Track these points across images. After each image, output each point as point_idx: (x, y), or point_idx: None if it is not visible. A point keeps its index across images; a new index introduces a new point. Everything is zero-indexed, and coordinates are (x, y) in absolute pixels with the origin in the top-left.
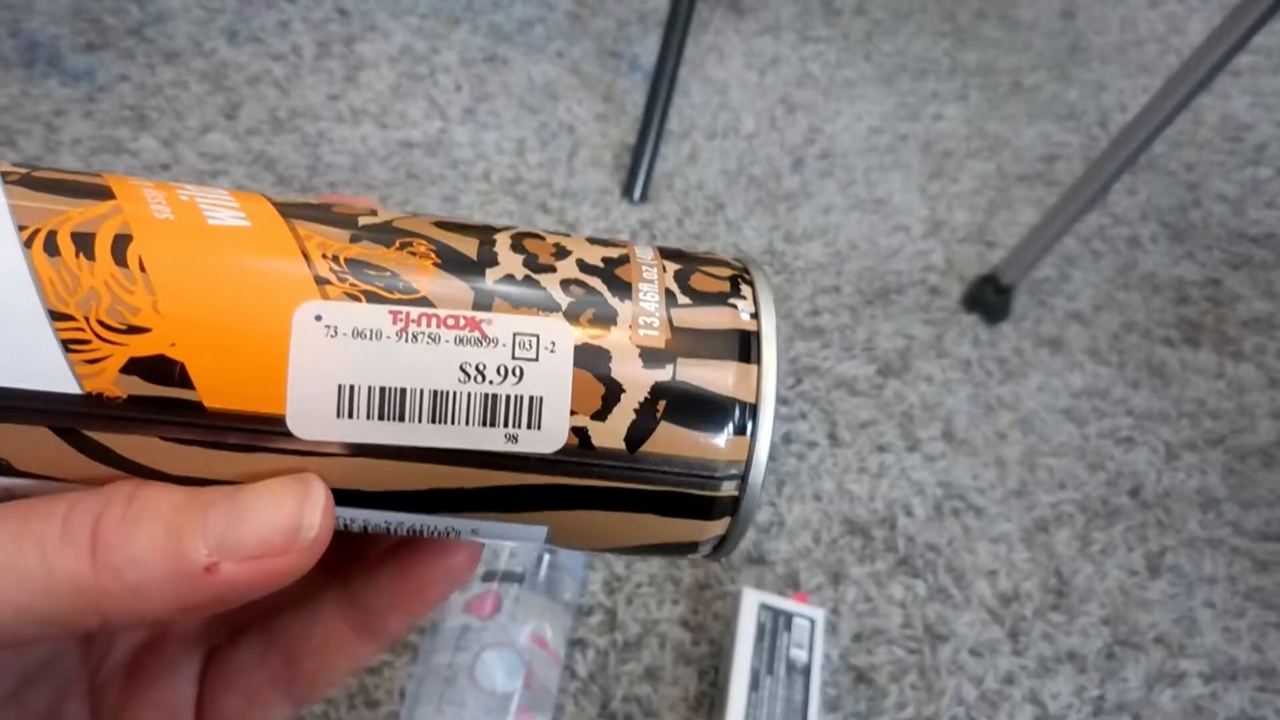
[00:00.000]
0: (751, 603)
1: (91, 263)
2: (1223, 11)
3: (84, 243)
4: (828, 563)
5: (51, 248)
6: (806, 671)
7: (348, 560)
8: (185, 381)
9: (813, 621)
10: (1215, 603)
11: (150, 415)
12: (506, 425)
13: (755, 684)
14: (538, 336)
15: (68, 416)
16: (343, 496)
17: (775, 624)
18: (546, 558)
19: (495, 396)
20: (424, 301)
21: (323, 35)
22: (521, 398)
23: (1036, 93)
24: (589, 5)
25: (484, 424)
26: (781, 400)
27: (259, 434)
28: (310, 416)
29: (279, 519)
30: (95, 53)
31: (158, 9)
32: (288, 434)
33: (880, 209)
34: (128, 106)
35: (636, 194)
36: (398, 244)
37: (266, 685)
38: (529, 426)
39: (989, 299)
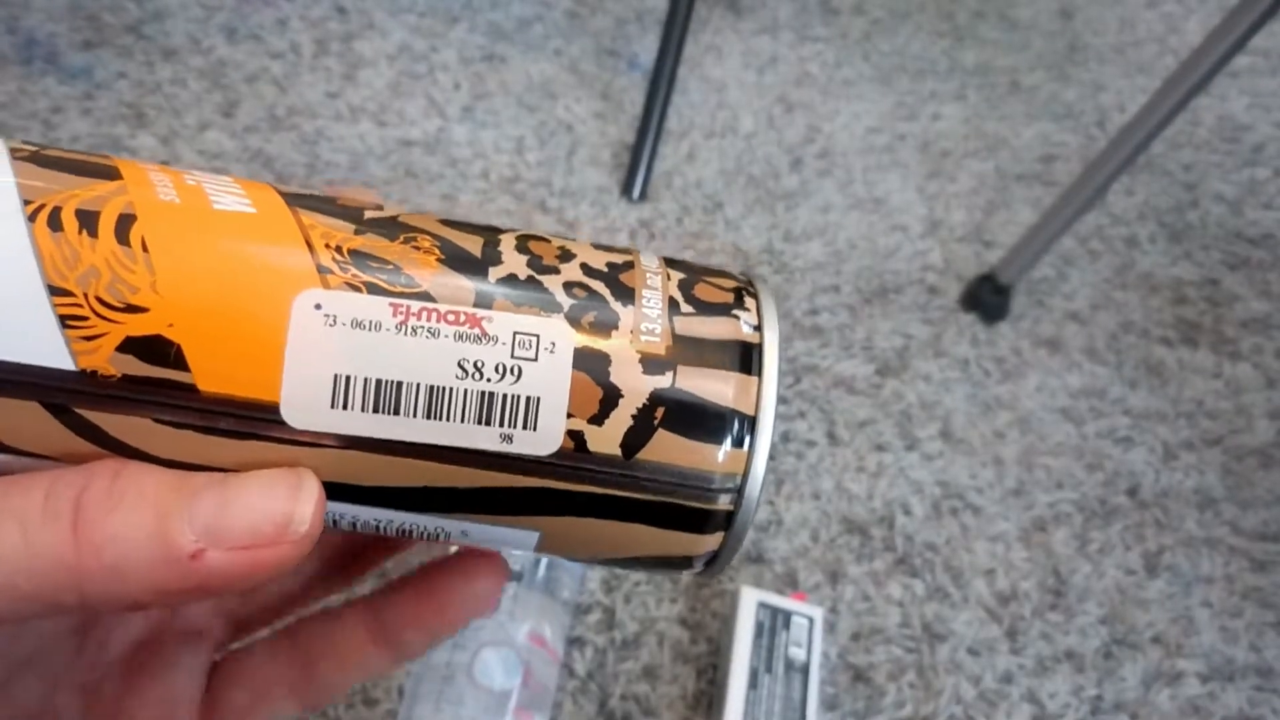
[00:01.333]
0: (750, 601)
1: (94, 240)
2: (1221, 12)
3: (88, 220)
4: (826, 561)
5: (55, 223)
6: (805, 670)
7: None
8: (181, 363)
9: (811, 620)
10: (1213, 602)
11: (144, 395)
12: (502, 424)
13: (754, 682)
14: (538, 337)
15: (61, 393)
16: (333, 490)
17: (773, 622)
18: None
19: (492, 395)
20: (425, 296)
21: (321, 33)
22: (519, 397)
23: (1035, 93)
24: (587, 4)
25: (479, 422)
26: (780, 399)
27: (252, 420)
28: (304, 405)
29: (271, 509)
30: (93, 50)
31: (155, 6)
32: (281, 422)
33: (879, 208)
34: (126, 104)
35: (635, 193)
36: (402, 238)
37: (275, 683)
38: (525, 427)
39: (987, 298)
